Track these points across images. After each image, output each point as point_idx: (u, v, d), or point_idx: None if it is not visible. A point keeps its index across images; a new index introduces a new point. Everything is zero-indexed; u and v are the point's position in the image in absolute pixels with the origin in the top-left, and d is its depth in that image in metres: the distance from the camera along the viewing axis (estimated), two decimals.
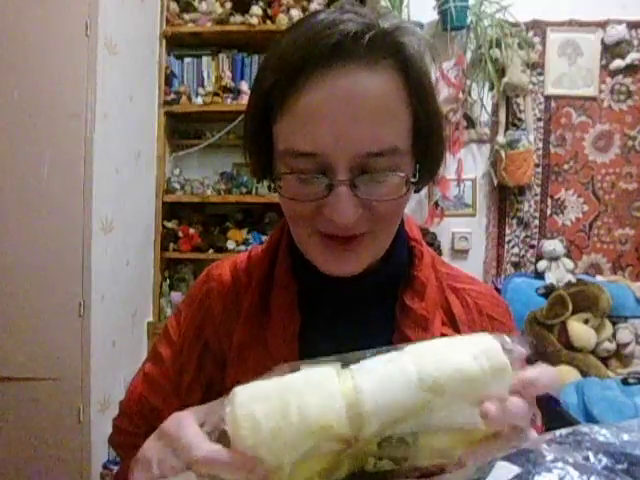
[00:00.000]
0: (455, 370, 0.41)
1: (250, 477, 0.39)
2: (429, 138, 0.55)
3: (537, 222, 2.65)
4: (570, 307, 2.09)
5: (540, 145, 2.62)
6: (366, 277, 0.58)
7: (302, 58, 0.49)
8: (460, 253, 2.64)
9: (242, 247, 2.68)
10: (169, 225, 2.76)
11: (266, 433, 0.40)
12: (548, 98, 2.61)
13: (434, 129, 0.55)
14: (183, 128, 2.88)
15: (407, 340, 0.60)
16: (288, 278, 0.63)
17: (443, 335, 0.62)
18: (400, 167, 0.52)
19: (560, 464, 0.40)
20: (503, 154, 2.50)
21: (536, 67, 2.59)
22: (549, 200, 2.64)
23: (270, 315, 0.62)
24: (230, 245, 2.69)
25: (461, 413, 0.41)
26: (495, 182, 2.60)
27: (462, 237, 2.63)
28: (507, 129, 2.56)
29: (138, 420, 0.69)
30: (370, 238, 0.55)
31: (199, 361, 0.66)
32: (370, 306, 0.63)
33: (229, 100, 2.69)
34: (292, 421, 0.40)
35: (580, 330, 2.08)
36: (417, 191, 0.61)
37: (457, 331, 0.63)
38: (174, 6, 2.74)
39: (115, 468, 2.23)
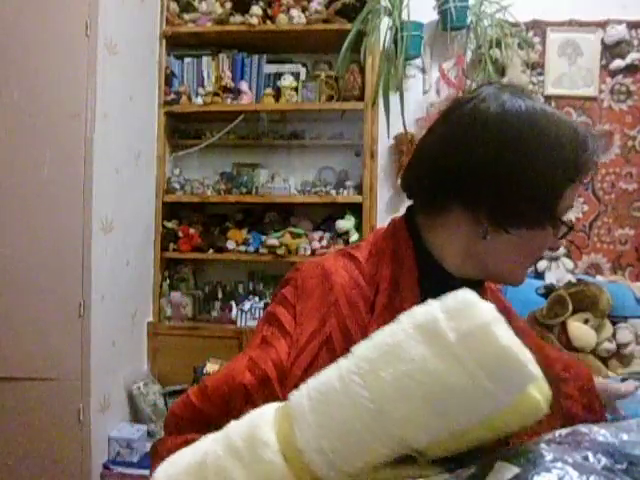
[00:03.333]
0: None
1: None
2: None
3: None
4: (570, 307, 2.09)
5: None
6: (479, 280, 0.76)
7: (592, 155, 0.69)
8: None
9: (242, 247, 2.67)
10: (169, 225, 2.76)
11: None
12: (548, 98, 2.60)
13: None
14: (183, 128, 2.88)
15: None
16: (416, 287, 0.72)
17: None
18: None
19: (559, 464, 0.40)
20: None
21: (536, 67, 2.59)
22: None
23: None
24: (230, 245, 2.68)
25: (445, 425, 0.35)
26: None
27: None
28: None
29: (221, 404, 0.66)
30: None
31: (313, 356, 0.66)
32: None
33: (229, 100, 2.69)
34: None
35: (580, 330, 2.08)
36: None
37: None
38: (174, 6, 2.74)
39: (115, 468, 2.23)
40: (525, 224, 0.68)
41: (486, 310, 0.35)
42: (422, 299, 0.71)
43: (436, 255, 0.74)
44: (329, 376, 0.36)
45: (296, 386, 0.64)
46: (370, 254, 0.75)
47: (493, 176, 0.67)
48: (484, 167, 0.68)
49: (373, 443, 0.33)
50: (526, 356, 0.36)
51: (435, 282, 0.72)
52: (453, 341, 0.33)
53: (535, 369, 0.36)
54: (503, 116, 0.68)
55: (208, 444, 0.38)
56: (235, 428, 0.37)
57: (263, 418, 0.37)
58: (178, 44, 2.78)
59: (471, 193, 0.69)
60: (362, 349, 0.37)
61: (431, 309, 0.36)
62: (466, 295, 0.36)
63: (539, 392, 0.38)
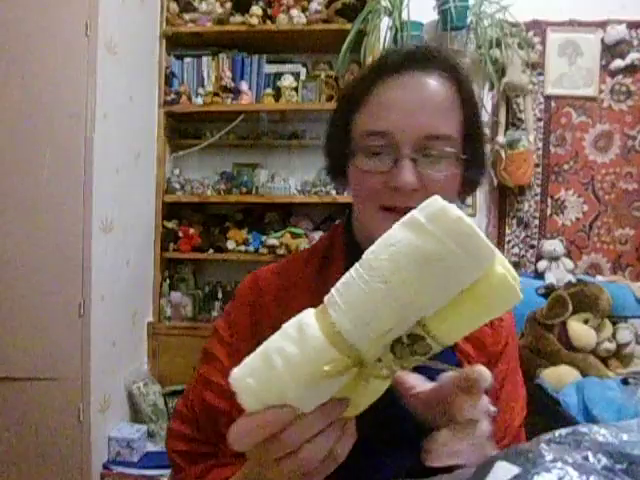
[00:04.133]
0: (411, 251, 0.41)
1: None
2: (474, 139, 0.69)
3: (537, 222, 2.65)
4: (570, 307, 2.09)
5: (540, 145, 2.62)
6: None
7: (379, 66, 0.68)
8: None
9: (242, 247, 2.67)
10: (169, 225, 2.76)
11: (269, 398, 0.43)
12: (548, 98, 2.61)
13: (478, 132, 0.71)
14: (183, 128, 2.88)
15: None
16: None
17: None
18: (452, 153, 0.66)
19: (559, 464, 0.40)
20: (503, 154, 2.50)
21: (536, 67, 2.59)
22: (549, 200, 2.64)
23: None
24: (230, 245, 2.68)
25: (446, 285, 0.41)
26: (495, 182, 2.60)
27: None
28: (507, 129, 2.56)
29: (204, 424, 0.70)
30: None
31: None
32: None
33: (229, 100, 2.69)
34: (286, 379, 0.43)
35: (580, 330, 2.08)
36: (463, 198, 0.74)
37: None
38: (174, 6, 2.74)
39: (115, 468, 2.23)
40: (336, 155, 0.73)
41: (441, 199, 0.43)
42: None
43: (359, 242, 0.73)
44: (348, 273, 0.45)
45: None
46: (309, 254, 0.78)
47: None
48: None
49: (385, 307, 0.42)
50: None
51: None
52: (424, 221, 0.41)
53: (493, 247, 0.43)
54: None
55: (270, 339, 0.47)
56: (287, 323, 0.47)
57: (306, 313, 0.47)
58: (178, 44, 2.78)
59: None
60: (366, 252, 0.46)
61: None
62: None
63: (505, 269, 0.44)
